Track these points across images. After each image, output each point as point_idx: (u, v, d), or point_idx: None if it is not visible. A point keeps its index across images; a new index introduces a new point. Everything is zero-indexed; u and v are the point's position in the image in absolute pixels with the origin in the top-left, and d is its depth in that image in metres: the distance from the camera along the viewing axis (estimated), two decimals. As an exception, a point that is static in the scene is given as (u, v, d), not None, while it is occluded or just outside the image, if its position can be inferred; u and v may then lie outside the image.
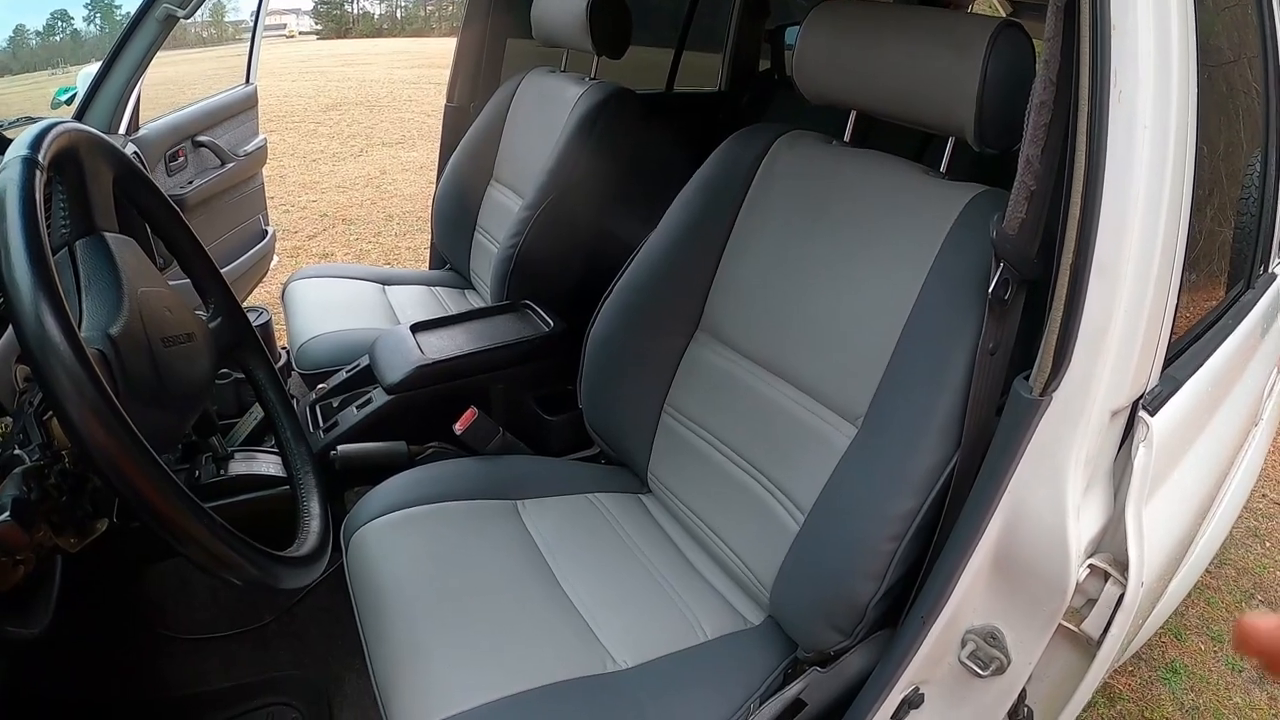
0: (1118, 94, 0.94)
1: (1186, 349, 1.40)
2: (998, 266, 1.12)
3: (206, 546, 0.95)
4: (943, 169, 1.44)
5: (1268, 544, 3.23)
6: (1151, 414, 1.11)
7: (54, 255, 0.96)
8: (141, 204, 1.41)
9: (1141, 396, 1.09)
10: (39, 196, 0.97)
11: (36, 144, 1.04)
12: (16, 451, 1.02)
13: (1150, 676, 2.52)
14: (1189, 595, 2.78)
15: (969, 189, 1.37)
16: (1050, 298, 1.02)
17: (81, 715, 1.77)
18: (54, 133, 1.09)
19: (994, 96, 1.24)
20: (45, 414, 1.02)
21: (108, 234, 1.20)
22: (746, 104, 4.11)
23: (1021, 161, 1.06)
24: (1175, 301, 1.09)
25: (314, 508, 1.36)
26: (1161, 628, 2.66)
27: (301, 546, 1.22)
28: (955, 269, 1.30)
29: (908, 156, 1.53)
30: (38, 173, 1.00)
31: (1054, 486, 1.04)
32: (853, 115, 1.57)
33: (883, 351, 1.37)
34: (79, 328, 1.03)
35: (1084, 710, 2.25)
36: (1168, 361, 1.17)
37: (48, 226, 0.97)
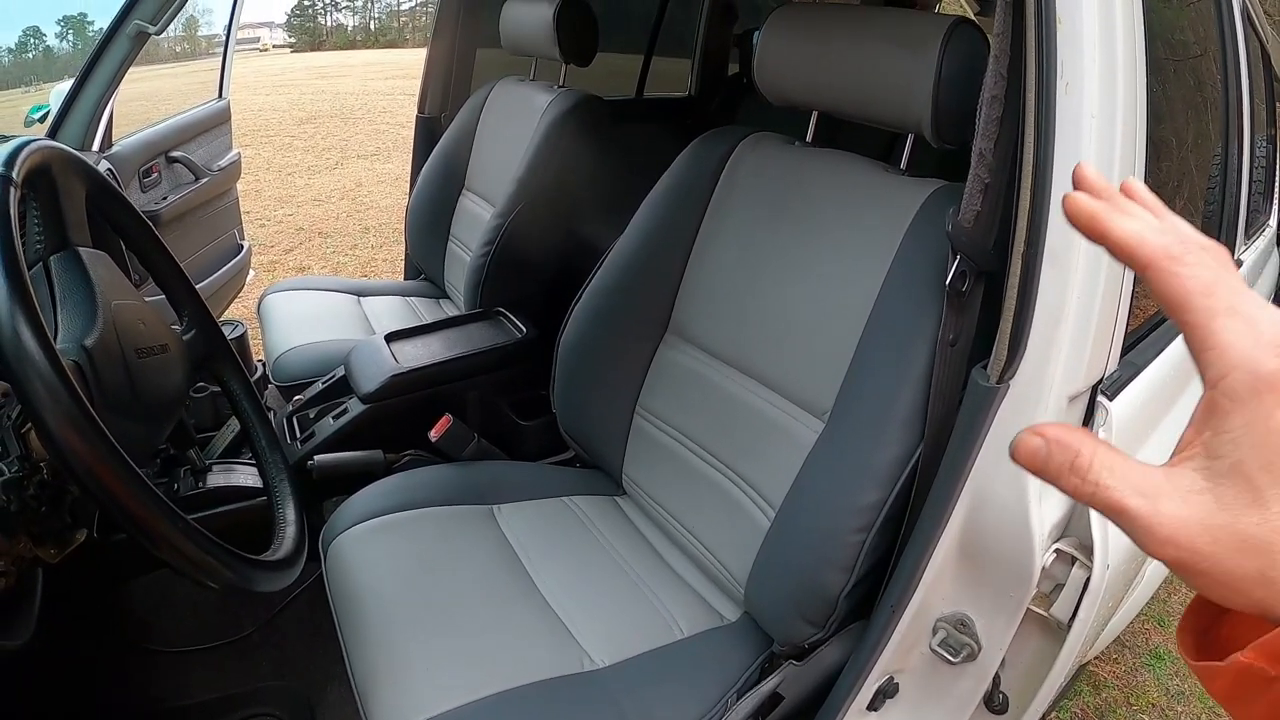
0: (1064, 85, 0.95)
1: (1147, 335, 1.42)
2: (955, 258, 1.14)
3: (183, 551, 0.96)
4: (903, 166, 1.46)
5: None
6: (1110, 398, 1.12)
7: (29, 270, 0.98)
8: (115, 219, 1.42)
9: (1100, 381, 1.11)
10: (13, 212, 0.98)
11: (10, 161, 1.05)
12: (-5, 464, 1.03)
13: (1134, 663, 2.54)
14: (1170, 582, 2.79)
15: (928, 184, 1.39)
16: (1004, 287, 1.03)
17: (65, 729, 1.78)
18: (27, 150, 1.11)
19: (949, 93, 1.26)
20: (23, 427, 1.03)
21: (82, 249, 1.21)
22: (716, 108, 4.12)
23: (975, 155, 1.08)
24: (1131, 287, 1.10)
25: (289, 514, 1.37)
26: (1143, 614, 2.67)
27: (277, 551, 1.23)
28: (915, 263, 1.31)
29: (875, 156, 1.55)
30: (11, 189, 1.01)
31: (1015, 473, 1.05)
32: (814, 116, 1.59)
33: (847, 347, 1.38)
34: (54, 340, 1.04)
35: (1069, 698, 2.29)
36: (1127, 348, 1.19)
37: (22, 242, 0.98)
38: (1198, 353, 0.42)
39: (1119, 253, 0.45)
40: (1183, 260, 0.43)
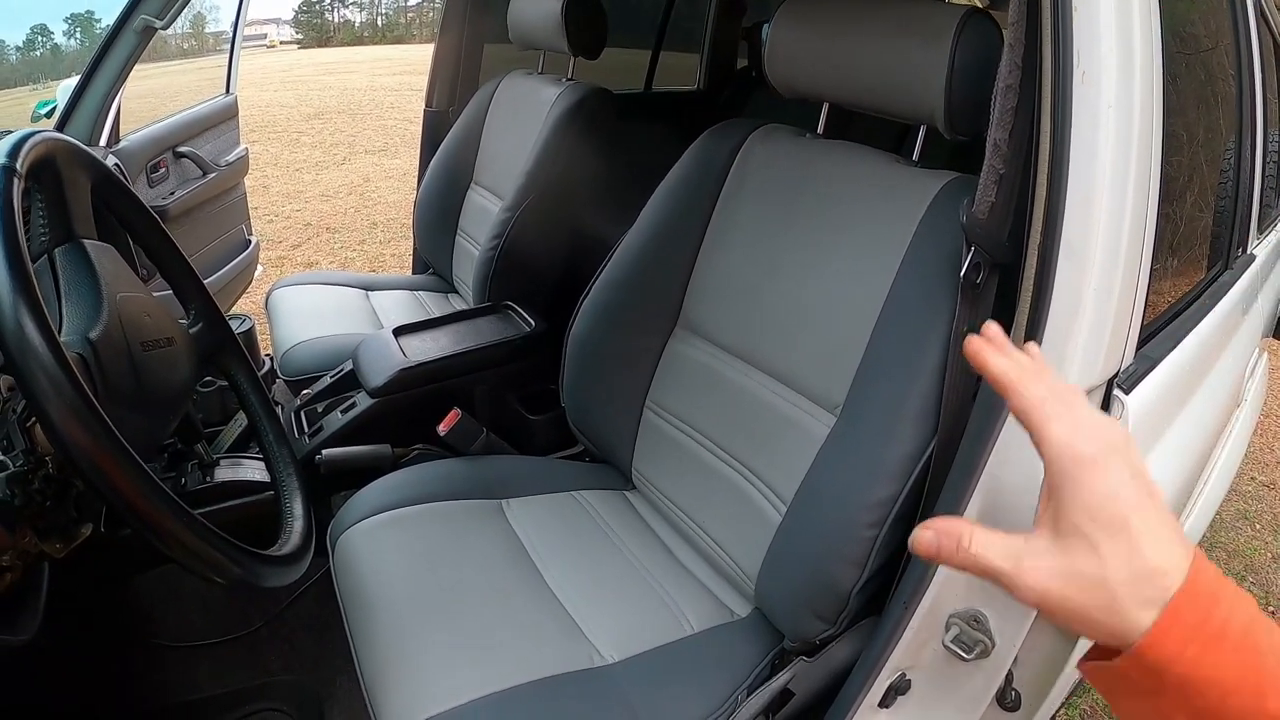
0: (1081, 74, 0.94)
1: (1163, 329, 1.41)
2: (969, 251, 1.13)
3: (188, 546, 0.95)
4: (915, 157, 1.45)
5: (1257, 525, 3.24)
6: (1126, 392, 1.11)
7: (33, 263, 0.97)
8: (120, 212, 1.41)
9: (1116, 375, 1.10)
10: (17, 204, 0.97)
11: (14, 152, 1.04)
12: (0, 458, 1.02)
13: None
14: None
15: (941, 176, 1.38)
16: (1020, 279, 1.02)
17: (72, 723, 1.78)
18: (31, 141, 1.10)
19: (962, 83, 1.25)
20: (28, 420, 1.03)
21: (87, 241, 1.20)
22: (725, 102, 4.11)
23: (989, 145, 1.07)
24: (1147, 280, 1.09)
25: (296, 508, 1.36)
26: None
27: (284, 545, 1.22)
28: (928, 256, 1.30)
29: (887, 147, 1.53)
30: (15, 180, 1.00)
31: (1029, 468, 1.03)
32: (825, 107, 1.58)
33: (859, 340, 1.37)
34: (59, 332, 1.03)
35: (1078, 695, 2.28)
36: (1143, 341, 1.18)
37: (26, 234, 0.97)
38: (1039, 446, 0.63)
39: (992, 380, 0.69)
40: (1030, 385, 0.66)
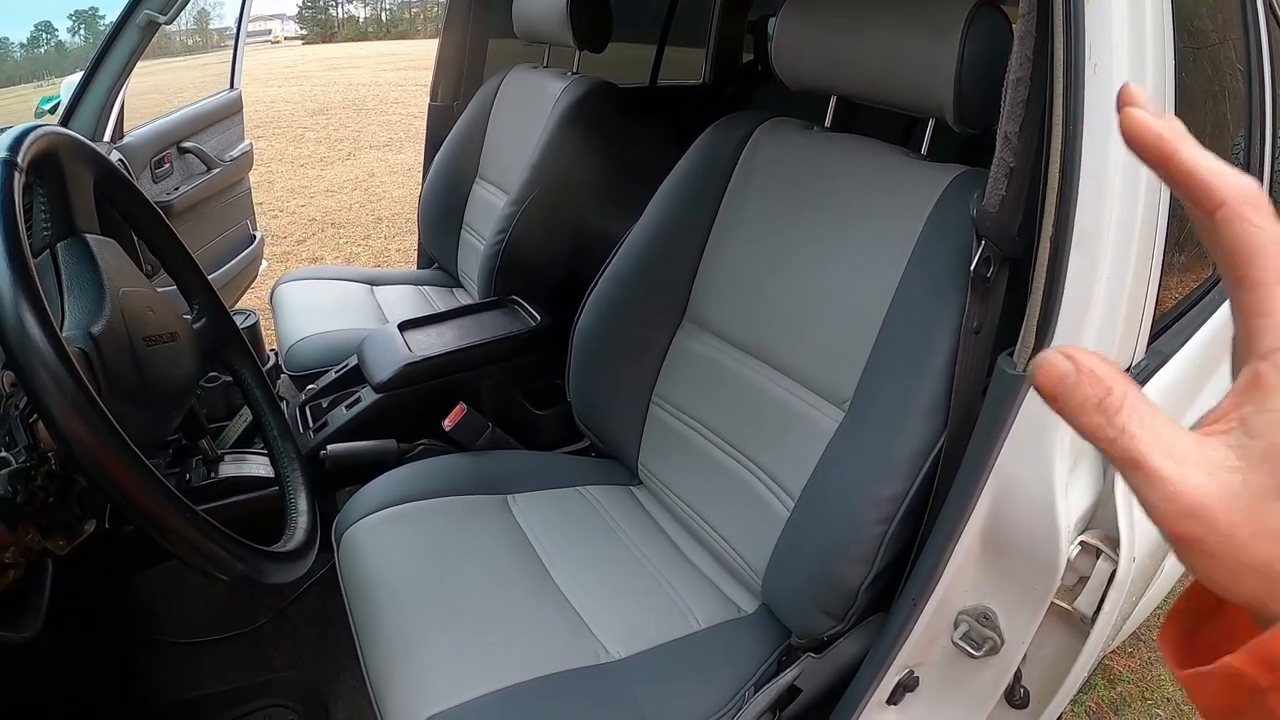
0: (1093, 66, 0.93)
1: (1173, 324, 1.40)
2: (979, 245, 1.12)
3: (192, 542, 0.95)
4: (924, 150, 1.44)
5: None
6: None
7: (35, 257, 0.97)
8: (123, 206, 1.40)
9: (1128, 369, 1.09)
10: (18, 198, 0.96)
11: (15, 146, 1.04)
12: (2, 454, 1.01)
13: (1150, 658, 2.52)
14: (1187, 576, 2.78)
15: (950, 170, 1.37)
16: (1031, 273, 1.02)
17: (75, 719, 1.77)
18: (33, 135, 1.09)
19: (972, 76, 1.24)
20: (31, 417, 1.02)
21: (89, 236, 1.20)
22: (730, 96, 4.11)
23: (1000, 138, 1.06)
24: (1159, 274, 1.08)
25: (301, 504, 1.36)
26: (1160, 608, 2.65)
27: (289, 542, 1.22)
28: (937, 250, 1.30)
29: (893, 140, 1.53)
30: (16, 174, 1.00)
31: (1041, 463, 1.03)
32: (833, 100, 1.57)
33: (867, 334, 1.37)
34: (61, 327, 1.03)
35: (1084, 692, 2.27)
36: (1154, 336, 1.17)
37: (29, 229, 0.97)
38: (1250, 317, 0.36)
39: (1188, 183, 0.38)
40: (1261, 210, 0.36)
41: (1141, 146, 0.39)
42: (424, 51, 19.99)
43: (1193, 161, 0.37)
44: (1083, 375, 0.37)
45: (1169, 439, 0.36)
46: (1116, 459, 0.37)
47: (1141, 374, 1.13)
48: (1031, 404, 1.02)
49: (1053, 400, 0.38)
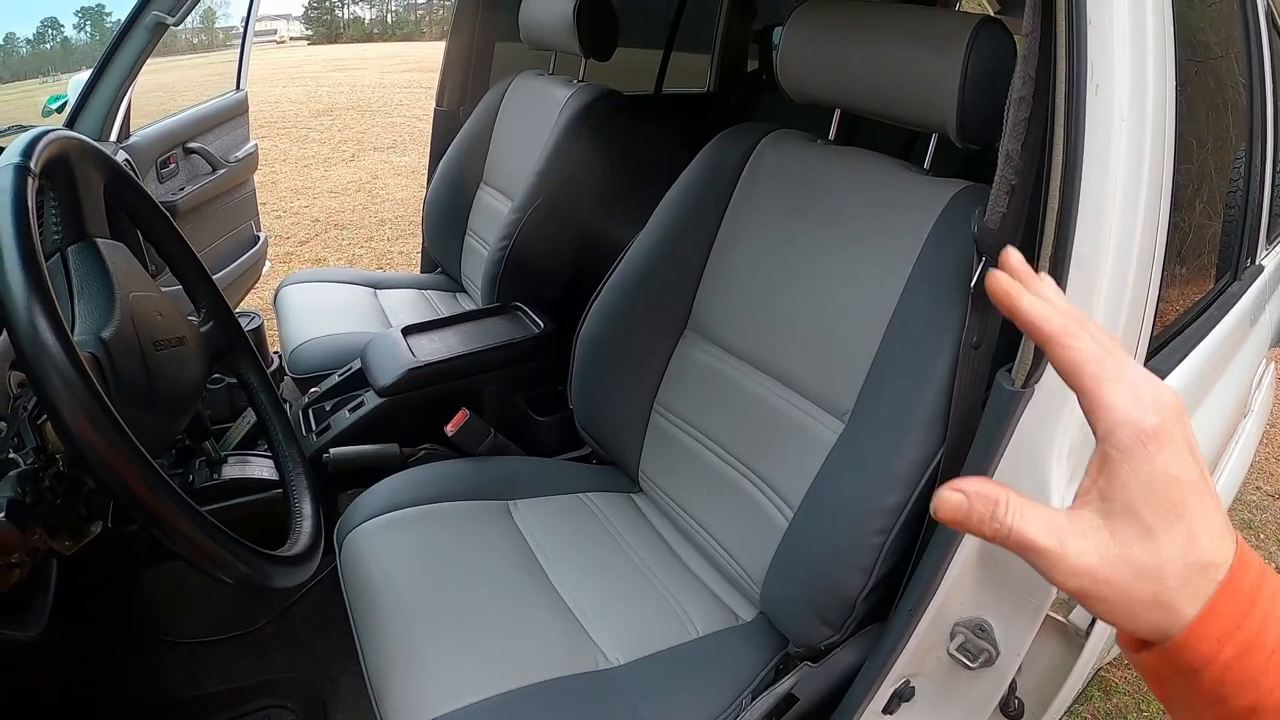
0: (1094, 87, 0.94)
1: (1171, 340, 1.41)
2: (980, 261, 1.13)
3: (198, 545, 0.95)
4: (926, 165, 1.45)
5: (1262, 535, 3.24)
6: (1135, 405, 1.11)
7: (46, 261, 0.97)
8: (132, 210, 1.41)
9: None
10: (31, 203, 0.97)
11: (28, 151, 1.05)
12: (11, 455, 1.02)
13: (1146, 670, 2.53)
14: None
15: (952, 185, 1.38)
16: (1030, 290, 1.02)
17: (78, 718, 1.78)
18: (45, 140, 1.10)
19: (975, 92, 1.25)
20: (39, 418, 1.03)
21: (99, 240, 1.21)
22: (735, 104, 4.11)
23: (1001, 156, 1.07)
24: (1157, 293, 1.09)
25: (305, 508, 1.37)
26: (1157, 620, 2.66)
27: (294, 546, 1.23)
28: (938, 264, 1.30)
29: (895, 154, 1.54)
30: (30, 180, 1.01)
31: (1038, 478, 1.04)
32: (837, 113, 1.58)
33: (868, 347, 1.38)
34: (71, 331, 1.04)
35: (1080, 703, 2.28)
36: (1152, 353, 1.18)
37: (40, 233, 0.97)
38: (1089, 412, 0.52)
39: (1028, 325, 0.54)
40: (1077, 336, 0.52)
41: (996, 299, 0.55)
42: (429, 54, 19.97)
43: (1030, 308, 0.54)
44: (972, 500, 0.51)
45: (1048, 521, 0.51)
46: (1015, 548, 0.51)
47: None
48: (1029, 420, 1.03)
49: (957, 525, 0.52)
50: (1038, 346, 1.00)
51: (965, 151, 1.34)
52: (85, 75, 2.59)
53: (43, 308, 0.87)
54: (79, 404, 0.86)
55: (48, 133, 1.12)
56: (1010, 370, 1.06)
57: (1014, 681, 1.17)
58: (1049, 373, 1.01)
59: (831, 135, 1.60)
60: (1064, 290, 0.97)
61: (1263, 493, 3.51)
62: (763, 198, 1.64)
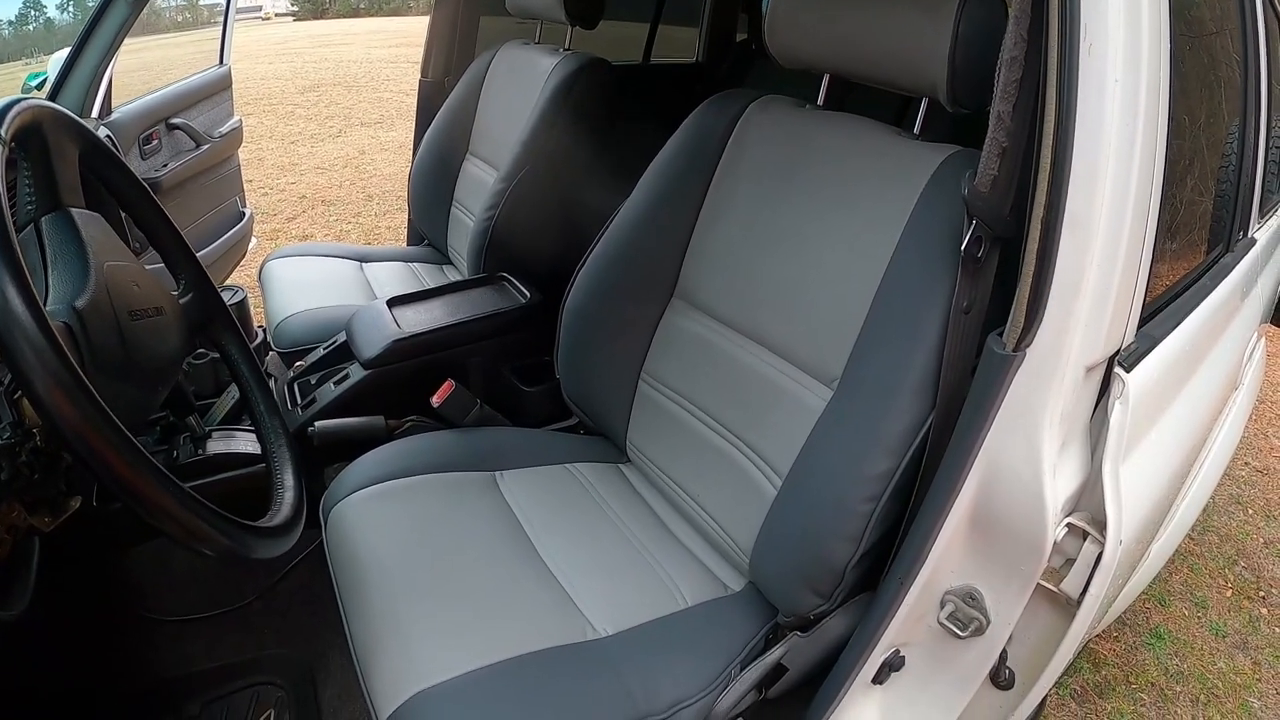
0: (1088, 47, 0.93)
1: (1164, 308, 1.40)
2: (970, 224, 1.12)
3: (176, 517, 0.94)
4: (916, 130, 1.44)
5: (1250, 511, 3.25)
6: (1127, 370, 1.11)
7: (19, 232, 0.96)
8: (108, 180, 1.40)
9: (1117, 353, 1.09)
10: (1, 172, 0.96)
11: (-1, 119, 1.03)
12: (-13, 432, 1.01)
13: (1135, 642, 2.53)
14: (1172, 561, 2.80)
15: (942, 149, 1.36)
16: (1022, 253, 1.01)
17: (63, 698, 1.77)
18: (17, 109, 1.08)
19: (965, 55, 1.23)
20: (15, 393, 1.02)
21: (74, 209, 1.19)
22: (724, 74, 4.10)
23: (993, 118, 1.05)
24: (1150, 257, 1.08)
25: (287, 479, 1.36)
26: (1145, 593, 2.67)
27: (275, 517, 1.22)
28: (928, 229, 1.29)
29: (887, 120, 1.52)
30: (0, 148, 0.99)
31: (1029, 444, 1.03)
32: (825, 78, 1.57)
33: (857, 313, 1.36)
34: (44, 303, 1.02)
35: (1069, 674, 2.29)
36: (1144, 319, 1.17)
37: (13, 204, 0.96)
38: None
39: None
40: None
41: None
42: (416, 29, 19.84)
43: None
44: None
45: None
46: None
47: (1131, 357, 1.13)
48: (1020, 384, 1.02)
49: None
50: (1029, 309, 1.00)
51: (956, 117, 1.33)
52: (66, 53, 2.56)
53: (13, 278, 0.85)
54: (51, 375, 0.84)
55: (19, 100, 1.11)
56: (1001, 334, 1.05)
57: (1004, 651, 1.17)
58: (1040, 337, 1.00)
59: (820, 100, 1.59)
60: (1056, 253, 0.96)
61: (1251, 468, 3.52)
62: (750, 164, 1.63)
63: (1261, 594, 2.79)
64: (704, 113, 1.73)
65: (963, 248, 1.13)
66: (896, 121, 1.51)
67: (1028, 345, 1.00)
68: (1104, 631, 2.51)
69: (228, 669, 1.94)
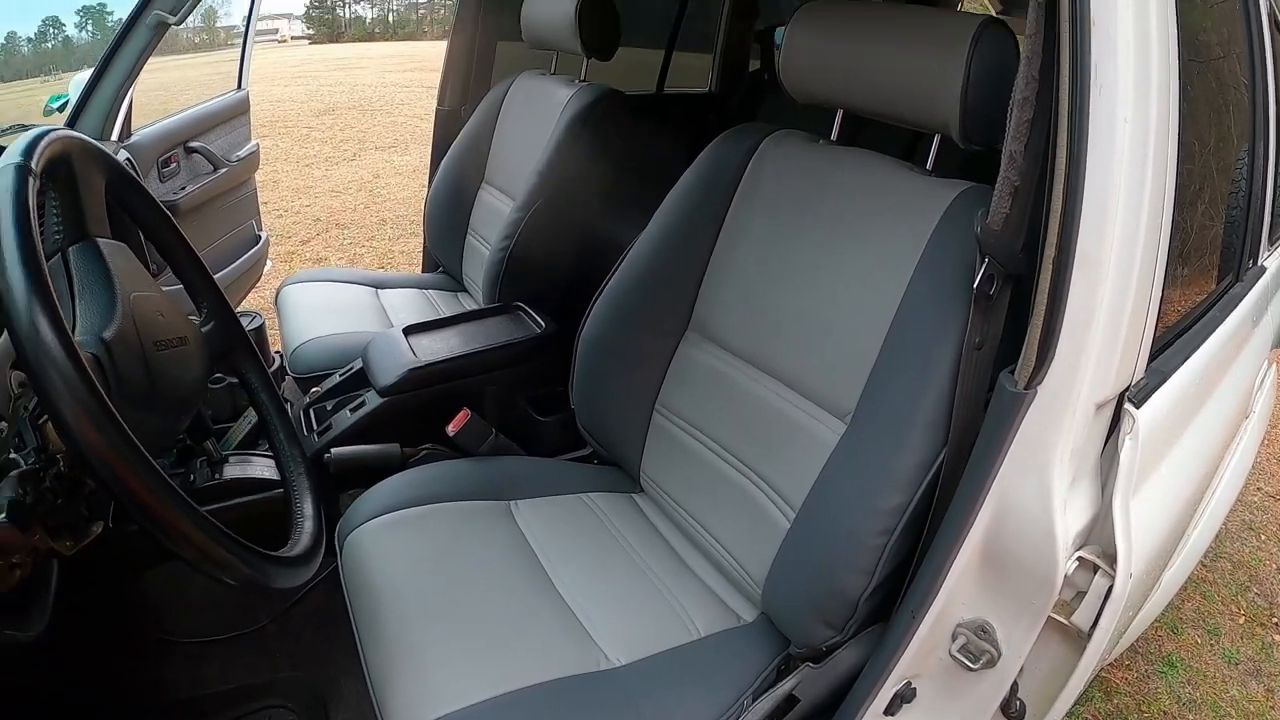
0: (1098, 88, 0.94)
1: (1173, 342, 1.41)
2: (983, 262, 1.13)
3: (199, 546, 0.95)
4: (929, 166, 1.45)
5: (1263, 537, 3.24)
6: (1137, 406, 1.11)
7: (47, 261, 0.97)
8: (134, 209, 1.41)
9: (1127, 389, 1.10)
10: (32, 203, 0.97)
11: (29, 151, 1.05)
12: (12, 455, 1.02)
13: (1147, 670, 2.53)
14: (1184, 589, 2.79)
15: (954, 185, 1.38)
16: (1034, 292, 1.02)
17: (79, 717, 1.77)
18: (46, 140, 1.10)
19: (978, 93, 1.25)
20: (41, 418, 1.03)
21: (100, 239, 1.20)
22: (737, 105, 4.11)
23: (1005, 157, 1.07)
24: (1160, 294, 1.09)
25: (307, 508, 1.36)
26: (1157, 621, 2.66)
27: (295, 546, 1.23)
28: (941, 266, 1.30)
29: (898, 155, 1.53)
30: (30, 179, 1.00)
31: (1040, 479, 1.04)
32: (839, 114, 1.58)
33: (870, 348, 1.37)
34: (72, 331, 1.03)
35: (1080, 704, 2.28)
36: (1154, 354, 1.17)
37: (41, 233, 0.97)
38: None
39: None
40: None
41: None
42: (430, 53, 19.97)
43: None
44: None
45: None
46: None
47: (1141, 393, 1.14)
48: (1031, 421, 1.03)
49: None
50: (1040, 347, 1.01)
51: (967, 151, 1.34)
52: (87, 74, 2.58)
53: (43, 308, 0.86)
54: (79, 404, 0.85)
55: (49, 132, 1.12)
56: (1013, 372, 1.06)
57: (1015, 683, 1.17)
58: (1051, 375, 1.01)
59: (834, 136, 1.60)
60: (1067, 292, 0.97)
61: (1264, 494, 3.51)
62: (765, 198, 1.64)
63: (1275, 620, 2.79)
64: (720, 146, 1.74)
65: (975, 286, 1.14)
66: (907, 155, 1.52)
67: (1039, 383, 1.01)
68: (1116, 660, 2.51)
69: (241, 691, 1.94)
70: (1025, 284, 1.07)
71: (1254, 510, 3.39)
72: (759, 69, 4.25)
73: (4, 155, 1.04)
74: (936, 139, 1.42)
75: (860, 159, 1.54)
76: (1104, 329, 0.99)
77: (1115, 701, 2.41)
